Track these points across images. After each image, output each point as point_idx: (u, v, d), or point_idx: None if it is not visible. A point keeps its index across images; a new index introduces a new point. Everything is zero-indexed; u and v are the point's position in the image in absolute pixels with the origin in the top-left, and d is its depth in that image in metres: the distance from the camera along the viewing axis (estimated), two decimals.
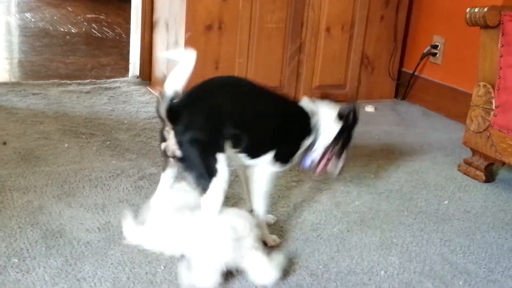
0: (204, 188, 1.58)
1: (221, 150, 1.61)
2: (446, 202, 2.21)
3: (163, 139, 1.62)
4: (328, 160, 1.87)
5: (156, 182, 2.13)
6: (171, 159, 1.64)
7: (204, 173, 1.58)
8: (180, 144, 1.59)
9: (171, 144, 1.60)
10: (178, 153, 1.60)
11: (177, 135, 1.59)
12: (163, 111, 1.56)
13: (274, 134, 1.77)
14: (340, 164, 1.90)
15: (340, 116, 1.84)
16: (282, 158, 1.79)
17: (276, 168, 1.79)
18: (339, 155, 1.88)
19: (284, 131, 1.79)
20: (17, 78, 3.43)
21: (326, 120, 1.84)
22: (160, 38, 3.26)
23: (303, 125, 1.83)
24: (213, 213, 1.60)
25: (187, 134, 1.58)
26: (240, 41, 3.07)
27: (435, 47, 3.37)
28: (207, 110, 1.62)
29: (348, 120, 1.85)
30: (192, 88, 1.65)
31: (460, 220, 2.08)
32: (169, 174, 1.70)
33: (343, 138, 1.86)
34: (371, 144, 2.77)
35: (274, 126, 1.77)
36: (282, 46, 3.18)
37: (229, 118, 1.65)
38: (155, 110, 1.77)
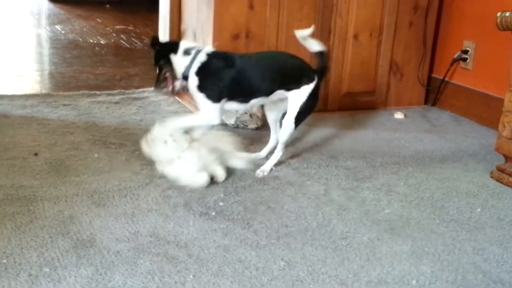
0: None
1: None
2: (479, 210, 2.17)
3: None
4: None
5: (185, 191, 2.15)
6: None
7: None
8: None
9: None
10: None
11: None
12: None
13: None
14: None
15: None
16: None
17: None
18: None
19: None
20: (47, 89, 3.49)
21: None
22: None
23: None
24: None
25: None
26: (268, 49, 3.06)
27: (466, 52, 3.33)
28: None
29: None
30: None
31: (493, 228, 2.04)
32: None
33: None
34: (401, 151, 2.74)
35: None
36: (309, 53, 3.16)
37: None
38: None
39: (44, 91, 3.41)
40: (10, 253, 1.69)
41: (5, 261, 1.65)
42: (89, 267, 1.65)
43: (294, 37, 3.10)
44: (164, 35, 3.43)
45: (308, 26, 3.10)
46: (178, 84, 2.35)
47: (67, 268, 1.64)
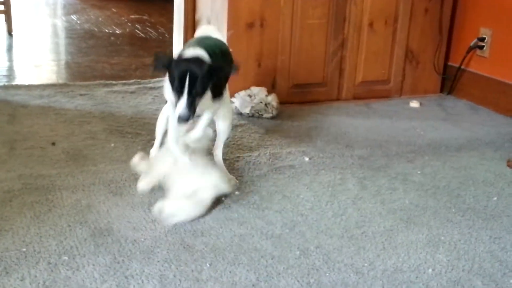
0: None
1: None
2: (495, 198, 2.16)
3: None
4: None
5: None
6: None
7: None
8: None
9: None
10: None
11: None
12: None
13: None
14: None
15: None
16: None
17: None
18: None
19: None
20: (64, 79, 3.51)
21: None
22: None
23: None
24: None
25: None
26: (282, 38, 3.06)
27: (482, 39, 3.29)
28: None
29: None
30: None
31: (510, 217, 2.03)
32: None
33: None
34: (417, 140, 2.73)
35: None
36: (324, 42, 3.16)
37: None
38: None
39: (60, 81, 3.43)
40: (29, 241, 1.71)
41: (24, 249, 1.67)
42: (107, 256, 1.67)
43: (308, 24, 3.11)
44: (179, 24, 3.44)
45: (323, 14, 3.10)
46: None
47: (85, 257, 1.66)
